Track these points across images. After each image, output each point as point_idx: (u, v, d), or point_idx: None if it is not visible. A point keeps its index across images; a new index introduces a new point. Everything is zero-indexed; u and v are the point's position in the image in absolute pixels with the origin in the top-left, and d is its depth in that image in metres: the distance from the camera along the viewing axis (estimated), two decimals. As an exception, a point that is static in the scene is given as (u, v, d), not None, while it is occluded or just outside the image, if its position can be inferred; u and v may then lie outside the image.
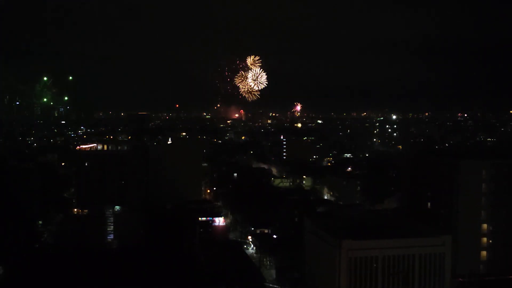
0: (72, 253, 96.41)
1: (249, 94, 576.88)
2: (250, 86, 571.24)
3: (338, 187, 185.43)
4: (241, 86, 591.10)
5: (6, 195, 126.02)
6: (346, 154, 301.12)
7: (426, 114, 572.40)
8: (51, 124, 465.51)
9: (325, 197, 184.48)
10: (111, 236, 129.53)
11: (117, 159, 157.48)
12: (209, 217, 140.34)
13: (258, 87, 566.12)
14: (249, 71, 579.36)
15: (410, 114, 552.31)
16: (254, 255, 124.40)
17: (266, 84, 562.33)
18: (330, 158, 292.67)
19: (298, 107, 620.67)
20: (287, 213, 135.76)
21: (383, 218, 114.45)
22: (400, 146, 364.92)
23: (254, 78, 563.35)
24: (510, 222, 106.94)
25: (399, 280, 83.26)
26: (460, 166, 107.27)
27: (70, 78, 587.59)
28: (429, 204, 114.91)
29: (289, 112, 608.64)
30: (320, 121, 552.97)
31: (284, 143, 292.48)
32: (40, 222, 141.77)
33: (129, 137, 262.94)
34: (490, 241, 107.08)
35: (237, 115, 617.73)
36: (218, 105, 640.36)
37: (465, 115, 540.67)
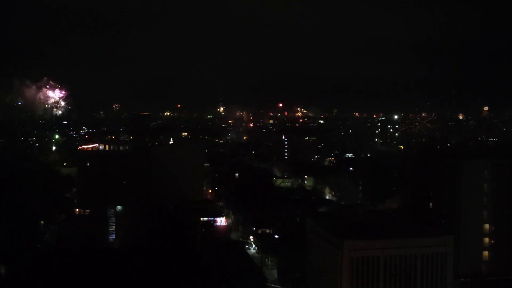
0: (74, 253, 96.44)
1: None
2: None
3: (340, 187, 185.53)
4: None
5: (8, 195, 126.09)
6: (347, 154, 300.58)
7: (428, 114, 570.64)
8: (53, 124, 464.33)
9: (327, 197, 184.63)
10: (113, 236, 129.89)
11: (119, 159, 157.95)
12: (210, 217, 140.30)
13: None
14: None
15: (412, 115, 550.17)
16: (256, 255, 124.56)
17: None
18: (331, 158, 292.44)
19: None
20: (289, 213, 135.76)
21: (385, 218, 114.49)
22: (402, 146, 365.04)
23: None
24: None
25: (401, 280, 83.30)
26: (462, 166, 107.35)
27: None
28: (431, 204, 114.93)
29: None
30: (321, 121, 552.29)
31: (286, 143, 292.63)
32: (42, 222, 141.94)
33: (131, 137, 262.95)
34: (492, 241, 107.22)
35: (238, 114, 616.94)
36: (219, 105, 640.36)
37: (469, 117, 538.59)
